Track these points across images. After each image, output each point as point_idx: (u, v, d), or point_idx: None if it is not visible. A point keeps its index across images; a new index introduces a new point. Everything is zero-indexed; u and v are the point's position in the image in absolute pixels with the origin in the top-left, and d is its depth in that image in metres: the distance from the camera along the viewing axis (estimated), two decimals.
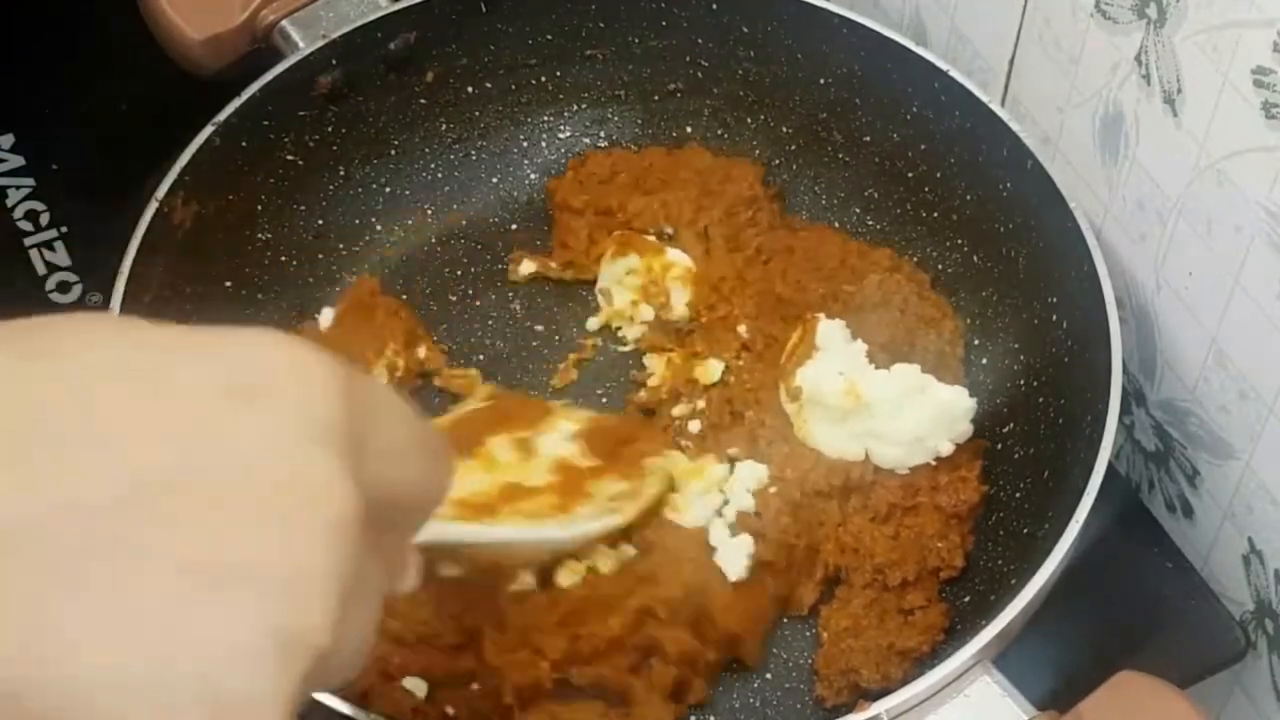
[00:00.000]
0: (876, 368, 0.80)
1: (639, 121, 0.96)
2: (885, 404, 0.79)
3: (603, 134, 0.96)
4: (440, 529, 0.67)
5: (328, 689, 0.41)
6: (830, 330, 0.82)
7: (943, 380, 0.81)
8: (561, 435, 0.78)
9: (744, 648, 0.75)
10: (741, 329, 0.86)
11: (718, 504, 0.79)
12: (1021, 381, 0.83)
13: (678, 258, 0.88)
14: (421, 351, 0.87)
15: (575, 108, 0.96)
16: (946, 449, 0.79)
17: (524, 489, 0.74)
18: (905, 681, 0.68)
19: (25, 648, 0.33)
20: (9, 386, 0.35)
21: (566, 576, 0.75)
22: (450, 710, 0.71)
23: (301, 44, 0.88)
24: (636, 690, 0.72)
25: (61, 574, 0.33)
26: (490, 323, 0.90)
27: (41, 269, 0.96)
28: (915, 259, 0.90)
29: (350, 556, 0.37)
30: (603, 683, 0.72)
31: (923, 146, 0.88)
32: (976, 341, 0.87)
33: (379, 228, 0.93)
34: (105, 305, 0.76)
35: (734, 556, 0.77)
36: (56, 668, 0.33)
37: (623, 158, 0.94)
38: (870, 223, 0.92)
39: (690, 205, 0.90)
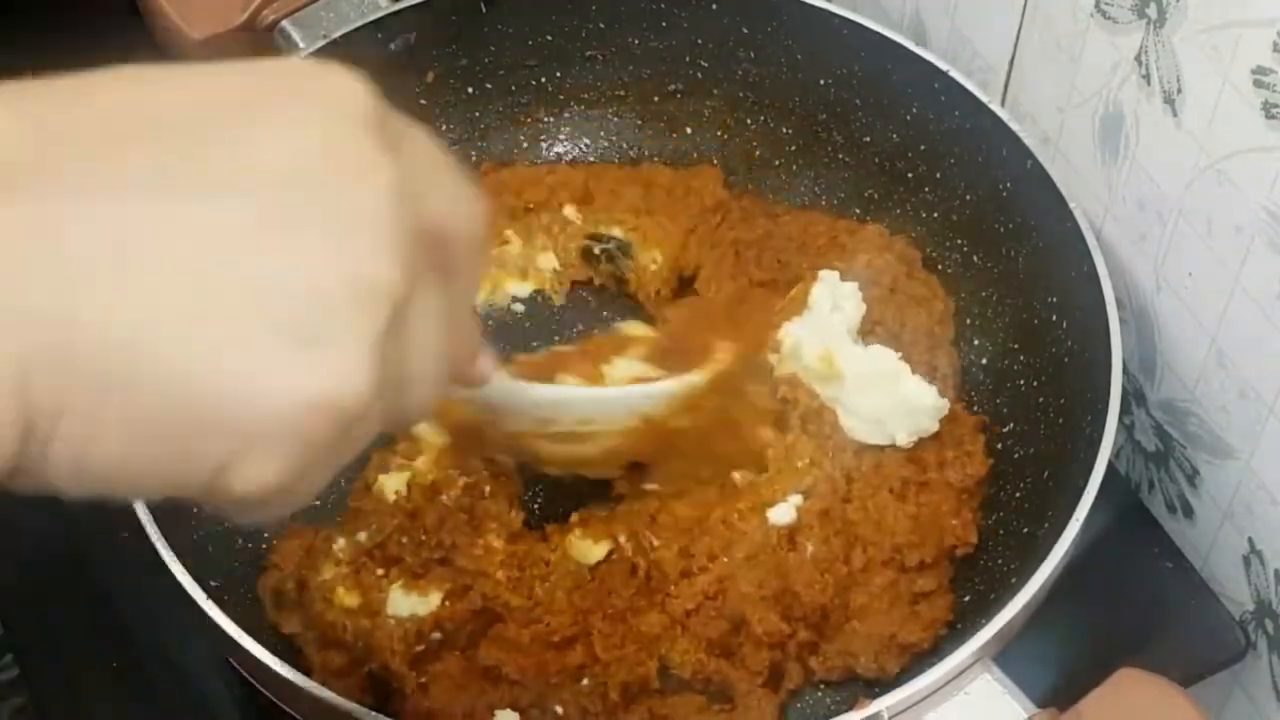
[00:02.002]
0: (866, 343, 0.81)
1: (638, 122, 0.96)
2: (856, 379, 0.80)
3: (602, 134, 0.96)
4: (525, 387, 0.69)
5: (401, 425, 0.44)
6: (823, 292, 0.82)
7: (935, 360, 0.82)
8: (628, 359, 0.77)
9: (831, 624, 0.75)
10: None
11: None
12: (1021, 381, 0.83)
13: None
14: None
15: (575, 108, 0.96)
16: (904, 439, 0.80)
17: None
18: (900, 675, 0.68)
19: (111, 282, 0.36)
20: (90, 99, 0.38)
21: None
22: (560, 710, 0.72)
23: (301, 44, 0.88)
24: (738, 683, 0.73)
25: (141, 234, 0.36)
26: (490, 323, 0.90)
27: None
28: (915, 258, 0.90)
29: (408, 219, 0.40)
30: (704, 674, 0.73)
31: (923, 146, 0.88)
32: (976, 341, 0.87)
33: None
34: None
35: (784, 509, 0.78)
36: (137, 300, 0.36)
37: (568, 174, 0.94)
38: (870, 223, 0.92)
39: (656, 226, 0.90)
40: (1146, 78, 0.75)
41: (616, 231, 0.90)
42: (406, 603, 0.74)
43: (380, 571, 0.75)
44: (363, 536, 0.76)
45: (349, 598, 0.74)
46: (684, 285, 0.90)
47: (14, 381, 0.35)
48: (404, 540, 0.75)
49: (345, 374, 0.38)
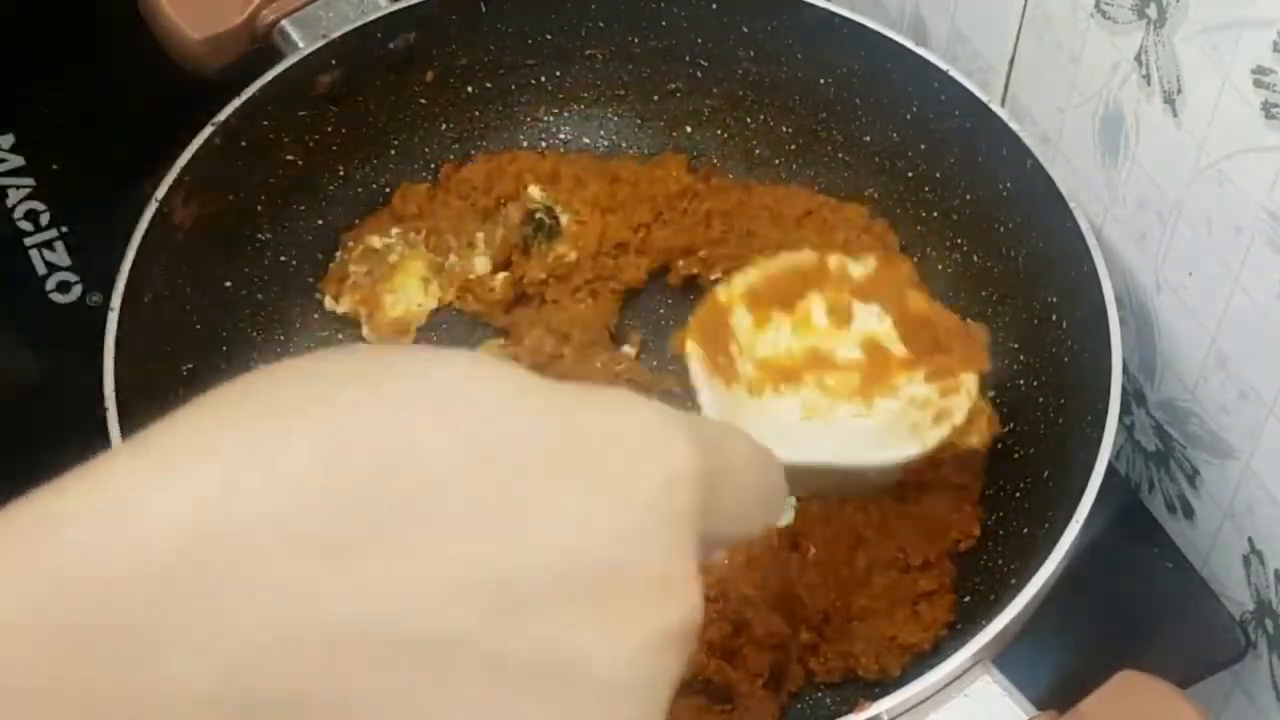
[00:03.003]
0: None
1: (638, 121, 0.96)
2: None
3: (602, 134, 0.96)
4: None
5: None
6: None
7: None
8: (878, 310, 0.74)
9: (832, 626, 0.75)
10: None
11: None
12: (1021, 381, 0.83)
13: None
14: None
15: (575, 107, 0.96)
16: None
17: (831, 360, 0.71)
18: (901, 677, 0.68)
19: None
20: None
21: None
22: None
23: (301, 44, 0.88)
24: (739, 684, 0.73)
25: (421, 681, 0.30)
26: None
27: (41, 269, 0.96)
28: (916, 258, 0.90)
29: (682, 665, 0.34)
30: (704, 674, 0.72)
31: (923, 146, 0.88)
32: None
33: None
34: (105, 305, 0.76)
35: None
36: None
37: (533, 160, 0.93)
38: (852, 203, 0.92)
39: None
40: (1146, 78, 0.75)
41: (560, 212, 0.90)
42: None
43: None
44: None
45: None
46: (657, 275, 0.90)
47: None
48: None
49: None
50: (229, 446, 0.30)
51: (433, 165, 0.94)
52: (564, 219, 0.90)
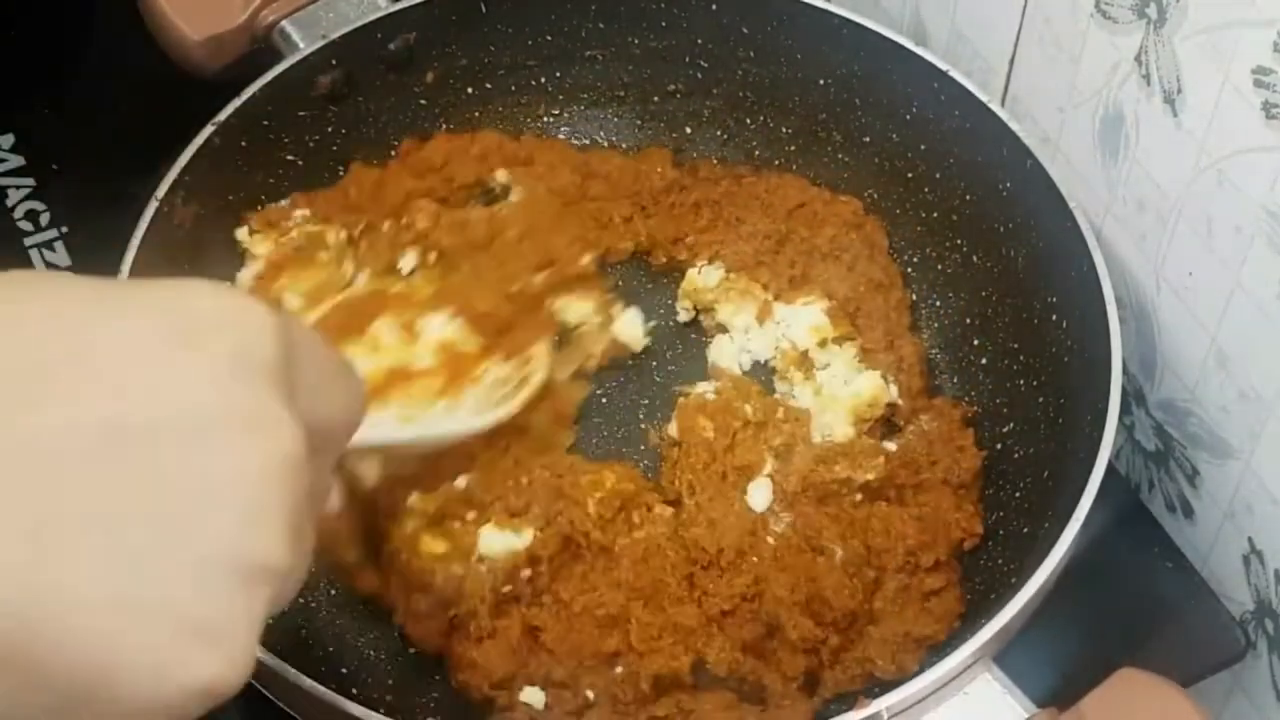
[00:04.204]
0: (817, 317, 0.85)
1: (638, 122, 0.96)
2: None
3: (602, 134, 0.96)
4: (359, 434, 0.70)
5: (280, 608, 0.43)
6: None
7: (898, 350, 0.84)
8: (445, 317, 0.78)
9: (854, 630, 0.75)
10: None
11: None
12: (1021, 381, 0.83)
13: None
14: None
15: (575, 108, 0.96)
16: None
17: (410, 372, 0.76)
18: (918, 672, 0.68)
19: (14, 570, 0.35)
20: None
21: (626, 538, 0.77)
22: (590, 694, 0.72)
23: (301, 44, 0.88)
24: (772, 684, 0.73)
25: (30, 509, 0.35)
26: None
27: (41, 269, 0.96)
28: (915, 259, 0.90)
29: (299, 486, 0.39)
30: (739, 672, 0.73)
31: (923, 146, 0.88)
32: (975, 340, 0.87)
33: None
34: None
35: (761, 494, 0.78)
36: (28, 586, 0.35)
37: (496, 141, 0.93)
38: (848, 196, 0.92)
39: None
40: (1146, 78, 0.75)
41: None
42: (500, 540, 0.74)
43: (471, 515, 0.75)
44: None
45: (436, 545, 0.74)
46: (636, 256, 0.91)
47: None
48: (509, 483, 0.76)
49: (232, 662, 0.38)
50: None
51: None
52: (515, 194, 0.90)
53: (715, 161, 0.95)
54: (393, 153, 0.91)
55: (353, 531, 0.74)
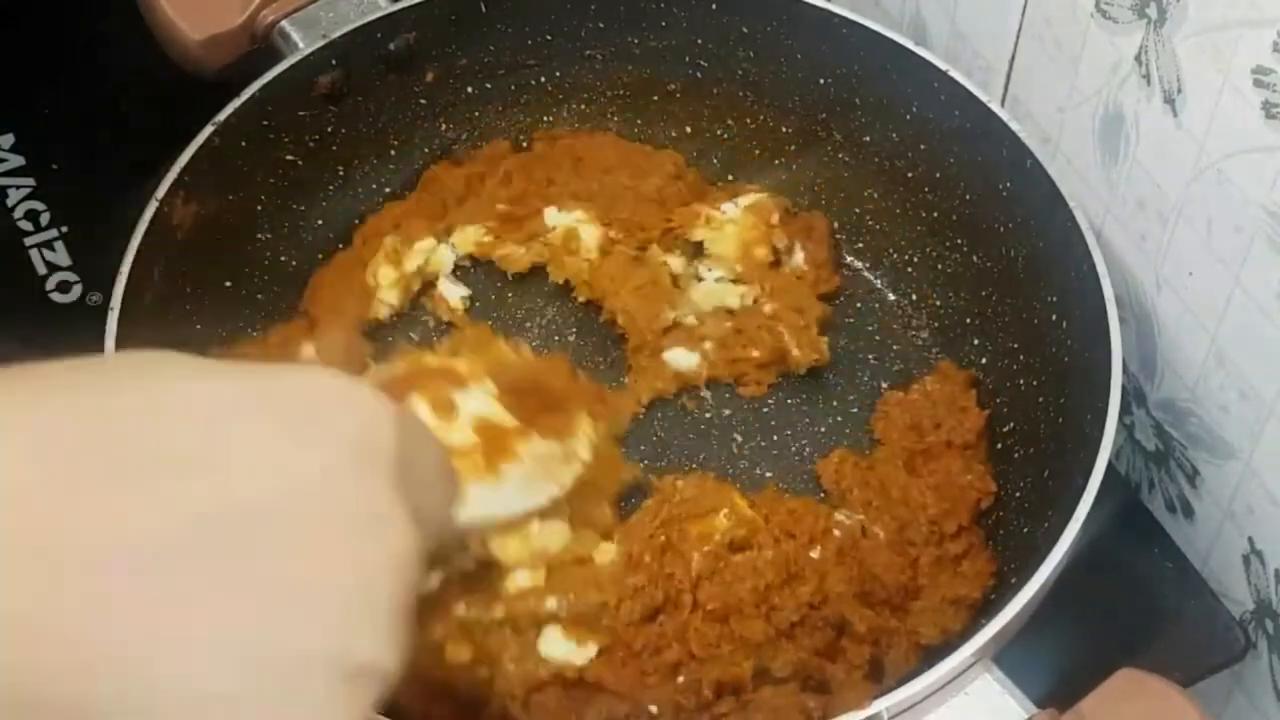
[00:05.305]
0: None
1: (639, 122, 0.96)
2: None
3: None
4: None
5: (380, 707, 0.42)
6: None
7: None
8: (483, 393, 0.76)
9: (905, 604, 0.76)
10: None
11: None
12: (1021, 381, 0.83)
13: None
14: None
15: (575, 108, 0.96)
16: None
17: (450, 451, 0.74)
18: (963, 634, 0.69)
19: (102, 655, 0.34)
20: (92, 422, 0.36)
21: (604, 552, 0.76)
22: (654, 709, 0.72)
23: (301, 44, 0.88)
24: (834, 675, 0.73)
25: (137, 599, 0.34)
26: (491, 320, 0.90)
27: (41, 269, 0.96)
28: (915, 259, 0.90)
29: (410, 587, 0.38)
30: (804, 669, 0.73)
31: (923, 146, 0.88)
32: (976, 341, 0.87)
33: None
34: (105, 305, 0.76)
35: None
36: (129, 678, 0.34)
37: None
38: (870, 222, 0.92)
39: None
40: (1146, 78, 0.75)
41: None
42: (563, 647, 0.73)
43: (532, 631, 0.74)
44: (499, 612, 0.74)
45: (461, 652, 0.73)
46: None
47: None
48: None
49: None
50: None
51: (433, 165, 0.94)
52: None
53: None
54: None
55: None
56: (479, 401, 0.73)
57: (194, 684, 0.35)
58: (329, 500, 0.37)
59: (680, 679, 0.73)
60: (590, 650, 0.73)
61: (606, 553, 0.76)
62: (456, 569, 0.71)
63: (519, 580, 0.74)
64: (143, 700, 0.34)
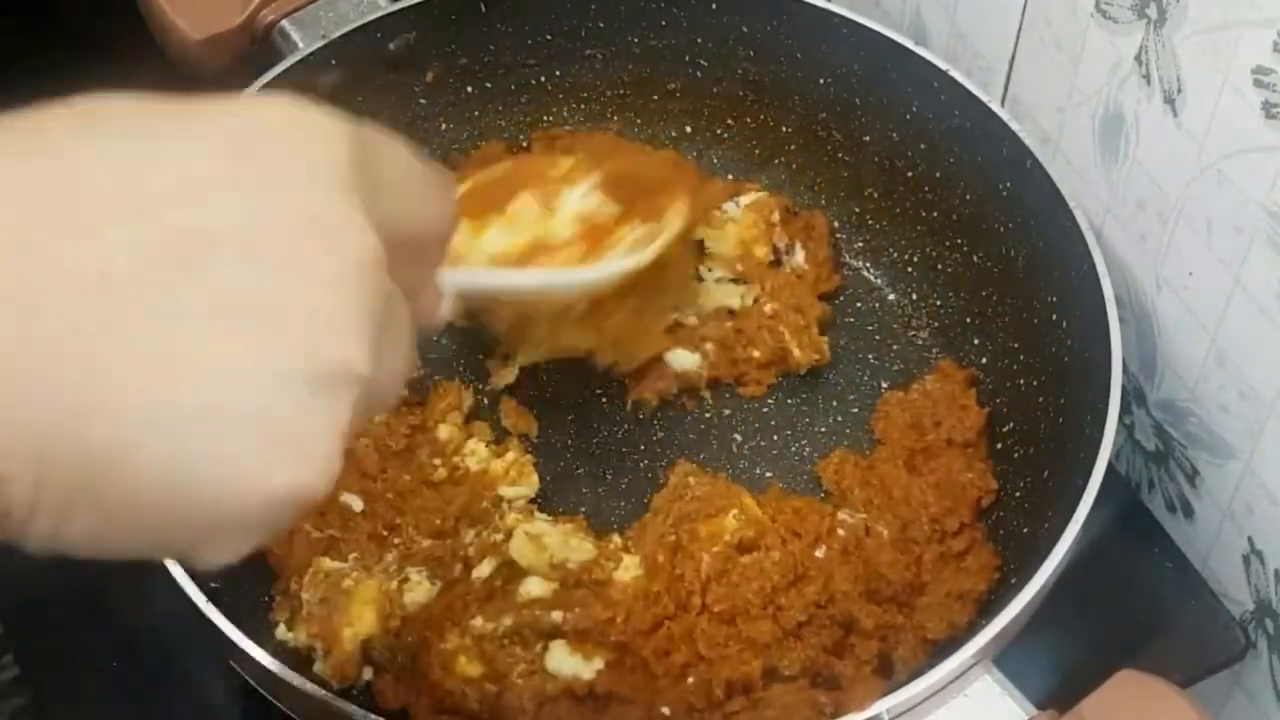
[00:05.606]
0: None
1: (639, 121, 0.96)
2: None
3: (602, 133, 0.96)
4: (473, 275, 0.70)
5: (372, 416, 0.42)
6: None
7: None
8: (584, 189, 0.78)
9: (911, 600, 0.76)
10: None
11: None
12: (1021, 381, 0.83)
13: None
14: None
15: (575, 108, 0.96)
16: None
17: (550, 244, 0.75)
18: (970, 628, 0.69)
19: (86, 381, 0.35)
20: (39, 164, 0.38)
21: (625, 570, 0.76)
22: (667, 710, 0.72)
23: (301, 44, 0.88)
24: (843, 671, 0.73)
25: (109, 328, 0.35)
26: None
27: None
28: (915, 258, 0.90)
29: (376, 290, 0.39)
30: (813, 667, 0.73)
31: (923, 146, 0.88)
32: (976, 340, 0.87)
33: None
34: None
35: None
36: (114, 401, 0.35)
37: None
38: (870, 222, 0.92)
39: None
40: (1146, 78, 0.75)
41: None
42: (569, 663, 0.73)
43: (539, 645, 0.74)
44: (508, 620, 0.74)
45: (471, 667, 0.73)
46: None
47: (31, 459, 0.35)
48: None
49: (315, 468, 0.38)
50: None
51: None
52: None
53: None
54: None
55: (399, 634, 0.74)
56: (581, 196, 0.77)
57: (165, 401, 0.36)
58: (276, 215, 0.38)
59: (690, 680, 0.73)
60: (597, 664, 0.73)
61: (629, 569, 0.76)
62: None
63: (530, 588, 0.75)
64: (117, 429, 0.35)
